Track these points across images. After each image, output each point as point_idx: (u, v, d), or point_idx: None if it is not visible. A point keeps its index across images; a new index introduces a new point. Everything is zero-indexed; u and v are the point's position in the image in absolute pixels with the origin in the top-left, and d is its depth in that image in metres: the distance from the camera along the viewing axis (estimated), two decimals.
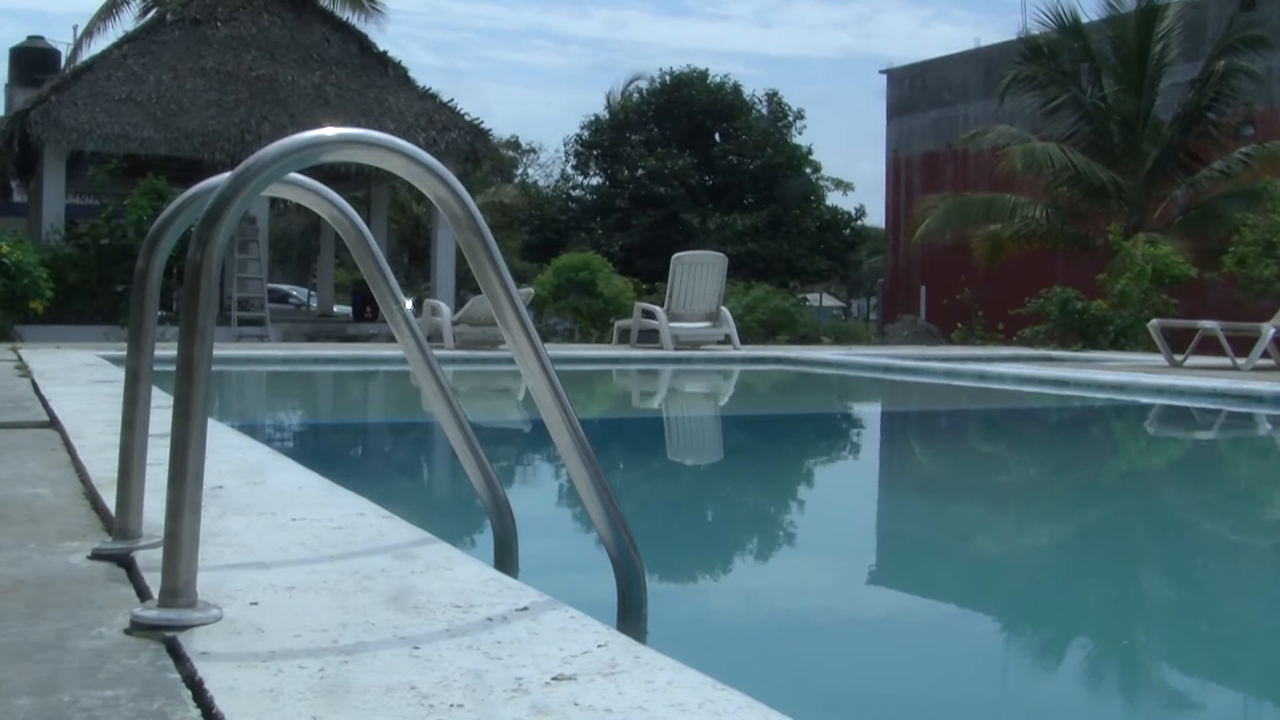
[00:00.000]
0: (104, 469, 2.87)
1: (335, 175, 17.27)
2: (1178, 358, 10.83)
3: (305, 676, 1.47)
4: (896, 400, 10.38)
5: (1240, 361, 10.29)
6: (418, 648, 1.60)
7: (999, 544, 4.21)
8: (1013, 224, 19.05)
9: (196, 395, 1.75)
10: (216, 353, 1.87)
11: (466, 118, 19.02)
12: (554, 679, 1.47)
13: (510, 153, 40.31)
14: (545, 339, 5.77)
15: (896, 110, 29.69)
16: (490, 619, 1.74)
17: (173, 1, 19.13)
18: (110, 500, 2.38)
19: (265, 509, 2.59)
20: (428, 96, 19.21)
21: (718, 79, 32.32)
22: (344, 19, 20.46)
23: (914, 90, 29.36)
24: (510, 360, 3.88)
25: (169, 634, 1.64)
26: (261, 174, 1.82)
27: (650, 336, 13.52)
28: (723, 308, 13.50)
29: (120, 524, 2.20)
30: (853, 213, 32.16)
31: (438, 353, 2.86)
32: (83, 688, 1.45)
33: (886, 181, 29.82)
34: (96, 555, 2.16)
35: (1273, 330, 10.22)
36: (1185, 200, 19.04)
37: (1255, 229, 15.03)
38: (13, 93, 23.44)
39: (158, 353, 2.23)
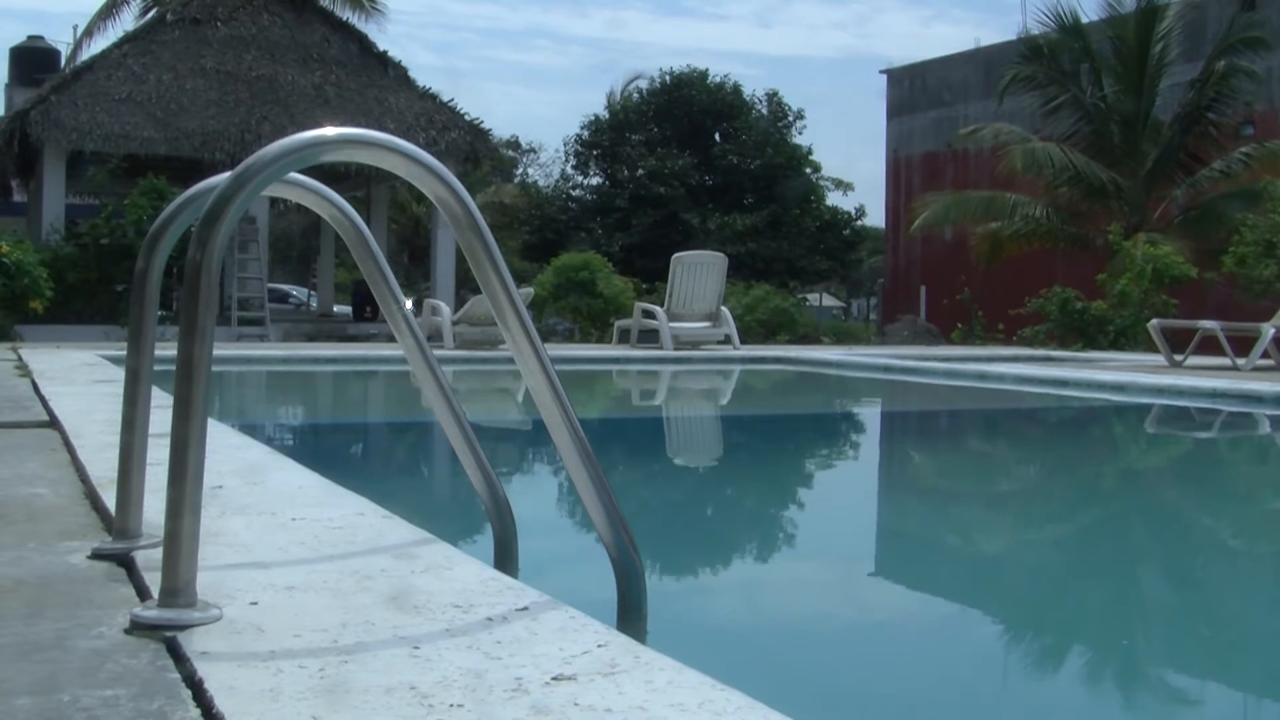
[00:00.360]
0: (104, 469, 2.87)
1: (335, 175, 17.27)
2: (1178, 358, 10.83)
3: (305, 676, 1.47)
4: (896, 400, 10.39)
5: (1240, 361, 10.29)
6: (418, 648, 1.60)
7: (999, 544, 4.21)
8: (1013, 223, 19.05)
9: (196, 395, 1.75)
10: (216, 353, 1.87)
11: (466, 118, 19.02)
12: (554, 679, 1.47)
13: (510, 153, 40.31)
14: (545, 339, 5.77)
15: (896, 110, 29.69)
16: (490, 619, 1.74)
17: (173, 1, 19.14)
18: (110, 500, 2.38)
19: (265, 509, 2.59)
20: (428, 96, 19.21)
21: (718, 79, 32.34)
22: (344, 19, 20.46)
23: (914, 90, 29.36)
24: (510, 360, 3.88)
25: (169, 634, 1.64)
26: (261, 174, 1.82)
27: (650, 336, 13.51)
28: (723, 308, 13.50)
29: (120, 524, 2.20)
30: (853, 213, 32.19)
31: (438, 353, 2.86)
32: (83, 687, 1.45)
33: (886, 181, 29.82)
34: (96, 555, 2.16)
35: (1273, 330, 10.22)
36: (1185, 200, 19.04)
37: (1255, 229, 15.02)
38: (13, 93, 23.44)
39: (158, 353, 2.23)
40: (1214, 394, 8.38)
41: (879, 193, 30.41)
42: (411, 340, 2.43)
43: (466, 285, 19.73)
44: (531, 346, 2.12)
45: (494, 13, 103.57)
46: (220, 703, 1.37)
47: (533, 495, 4.84)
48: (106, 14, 23.62)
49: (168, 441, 1.76)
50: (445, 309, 13.09)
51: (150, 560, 2.02)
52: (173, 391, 1.78)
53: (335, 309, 23.93)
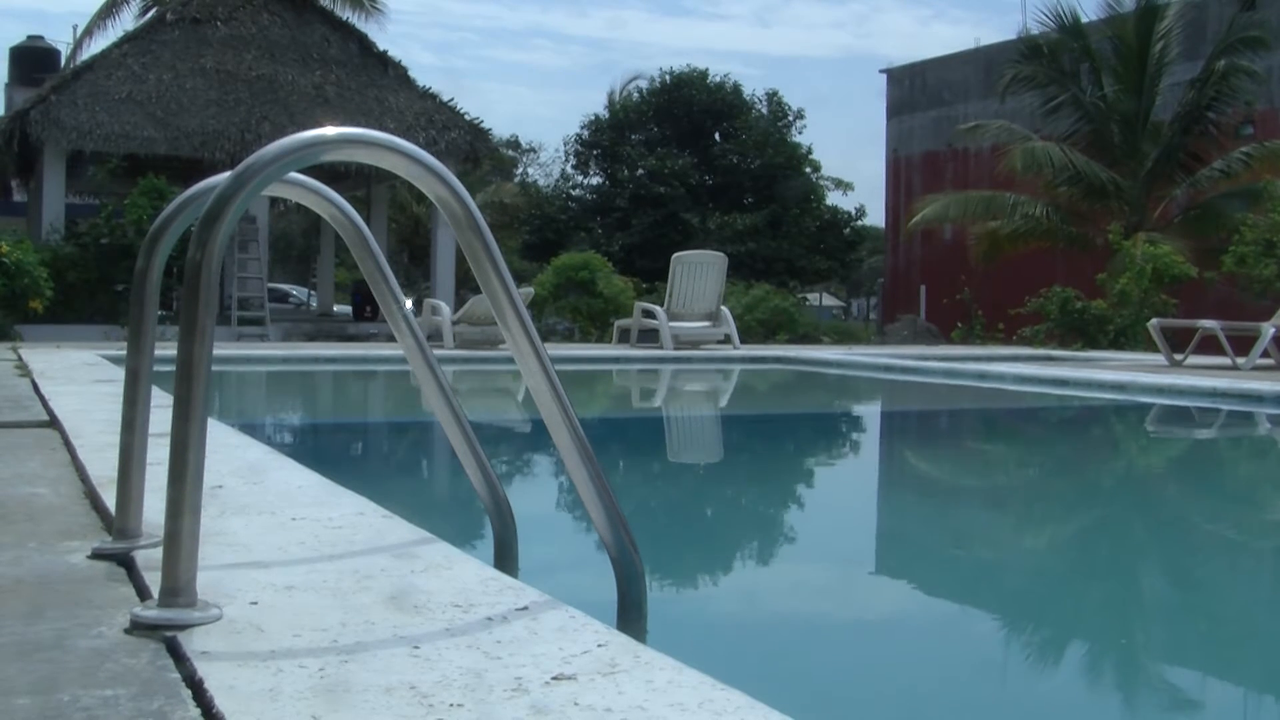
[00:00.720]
0: (104, 468, 2.87)
1: (335, 175, 17.27)
2: (1178, 357, 10.83)
3: (305, 676, 1.47)
4: (896, 400, 10.39)
5: (1240, 361, 10.29)
6: (417, 647, 1.60)
7: (999, 545, 4.21)
8: (1013, 221, 19.05)
9: (196, 395, 1.75)
10: (216, 353, 1.87)
11: (466, 117, 19.02)
12: (554, 678, 1.47)
13: (510, 152, 40.31)
14: (545, 339, 5.77)
15: (896, 110, 29.69)
16: (490, 619, 1.74)
17: (173, 1, 19.13)
18: (110, 500, 2.38)
19: (265, 508, 2.59)
20: (428, 96, 19.21)
21: (718, 79, 32.33)
22: (344, 19, 20.45)
23: (914, 90, 29.36)
24: (510, 360, 3.87)
25: (169, 633, 1.64)
26: (261, 173, 1.82)
27: (650, 336, 13.51)
28: (723, 307, 13.50)
29: (120, 523, 2.20)
30: (853, 213, 32.19)
31: (438, 353, 2.86)
32: (82, 687, 1.45)
33: (886, 181, 29.82)
34: (96, 555, 2.16)
35: (1273, 330, 10.22)
36: (1185, 200, 19.03)
37: (1255, 229, 15.03)
38: (13, 92, 23.43)
39: (158, 353, 2.23)
40: (1214, 393, 8.37)
41: (879, 193, 30.45)
42: (411, 340, 2.43)
43: (466, 285, 19.73)
44: (531, 346, 2.12)
45: (494, 13, 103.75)
46: (220, 702, 1.37)
47: (533, 495, 4.84)
48: (106, 14, 23.61)
49: (168, 441, 1.76)
50: (445, 309, 13.09)
51: (150, 560, 2.02)
52: (173, 391, 1.78)
53: (335, 309, 23.93)
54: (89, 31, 23.86)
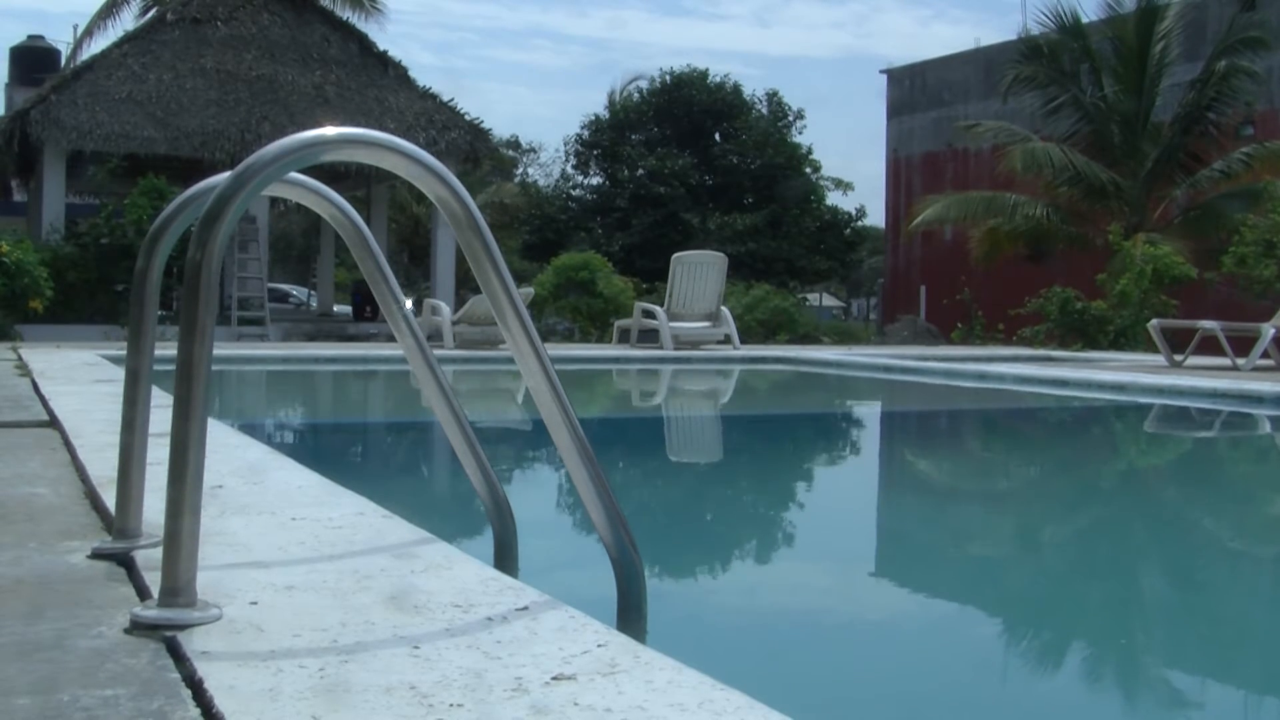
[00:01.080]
0: (104, 468, 2.87)
1: (335, 175, 17.27)
2: (1178, 358, 10.83)
3: (305, 676, 1.47)
4: (896, 400, 10.39)
5: (1240, 361, 10.29)
6: (417, 647, 1.60)
7: (999, 545, 4.21)
8: (1013, 221, 19.05)
9: (196, 395, 1.75)
10: (216, 353, 1.87)
11: (466, 118, 19.02)
12: (554, 679, 1.47)
13: (510, 152, 40.31)
14: (545, 339, 5.76)
15: (896, 110, 29.69)
16: (490, 619, 1.74)
17: (173, 1, 19.14)
18: (110, 500, 2.38)
19: (265, 508, 2.59)
20: (428, 96, 19.22)
21: (718, 79, 32.34)
22: (344, 19, 20.46)
23: (914, 90, 29.36)
24: (510, 360, 3.88)
25: (169, 633, 1.64)
26: (261, 173, 1.82)
27: (650, 336, 13.52)
28: (723, 307, 13.50)
29: (120, 523, 2.20)
30: (853, 213, 32.18)
31: (438, 353, 2.86)
32: (82, 687, 1.45)
33: (886, 181, 29.82)
34: (96, 555, 2.16)
35: (1273, 330, 10.22)
36: (1185, 200, 19.03)
37: (1255, 229, 15.03)
38: (13, 92, 23.44)
39: (158, 353, 2.23)
40: (1214, 394, 8.37)
41: (879, 193, 30.44)
42: (411, 340, 2.43)
43: (466, 285, 19.73)
44: (531, 346, 2.12)
45: (493, 13, 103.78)
46: (220, 702, 1.37)
47: (533, 495, 4.84)
48: (106, 14, 23.61)
49: (168, 441, 1.76)
50: (445, 309, 13.09)
51: (150, 560, 2.02)
52: (173, 391, 1.78)
53: (335, 309, 23.92)
54: (89, 31, 23.87)
